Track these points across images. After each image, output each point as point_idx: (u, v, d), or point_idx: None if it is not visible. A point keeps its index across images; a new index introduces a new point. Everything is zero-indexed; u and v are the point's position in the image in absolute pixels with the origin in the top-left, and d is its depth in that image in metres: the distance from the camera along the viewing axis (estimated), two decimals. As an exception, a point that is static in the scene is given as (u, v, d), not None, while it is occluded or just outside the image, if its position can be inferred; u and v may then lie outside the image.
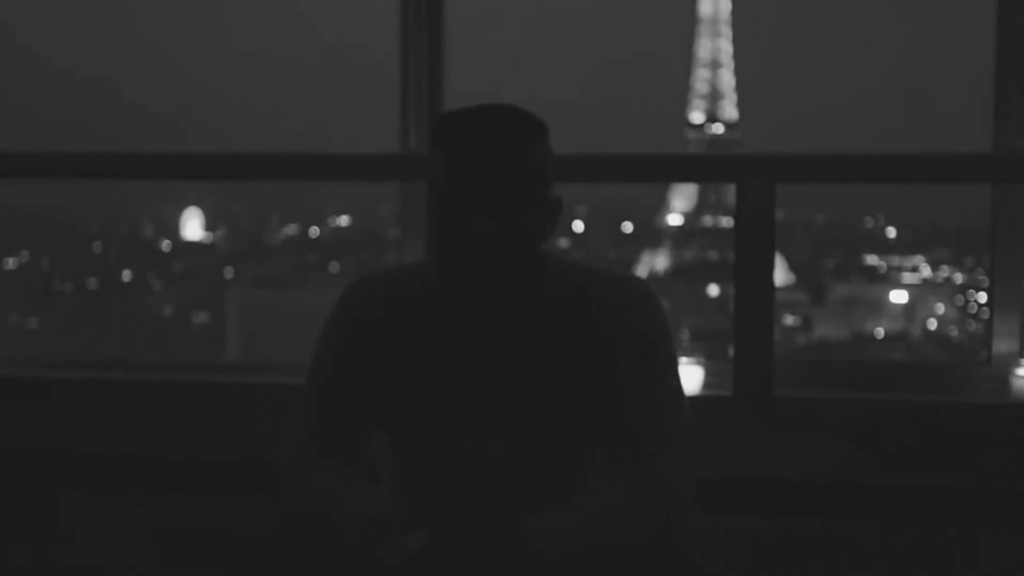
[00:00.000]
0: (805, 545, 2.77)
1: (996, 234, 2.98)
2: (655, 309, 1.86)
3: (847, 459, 2.78)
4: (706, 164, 3.02)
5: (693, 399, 1.88)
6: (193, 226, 44.75)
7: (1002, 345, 3.05)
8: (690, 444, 1.83)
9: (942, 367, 3.16)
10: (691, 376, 3.09)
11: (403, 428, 1.88)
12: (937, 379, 3.08)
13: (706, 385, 3.04)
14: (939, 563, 2.73)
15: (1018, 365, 2.99)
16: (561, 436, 1.83)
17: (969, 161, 2.84)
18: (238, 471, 2.71)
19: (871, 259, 42.97)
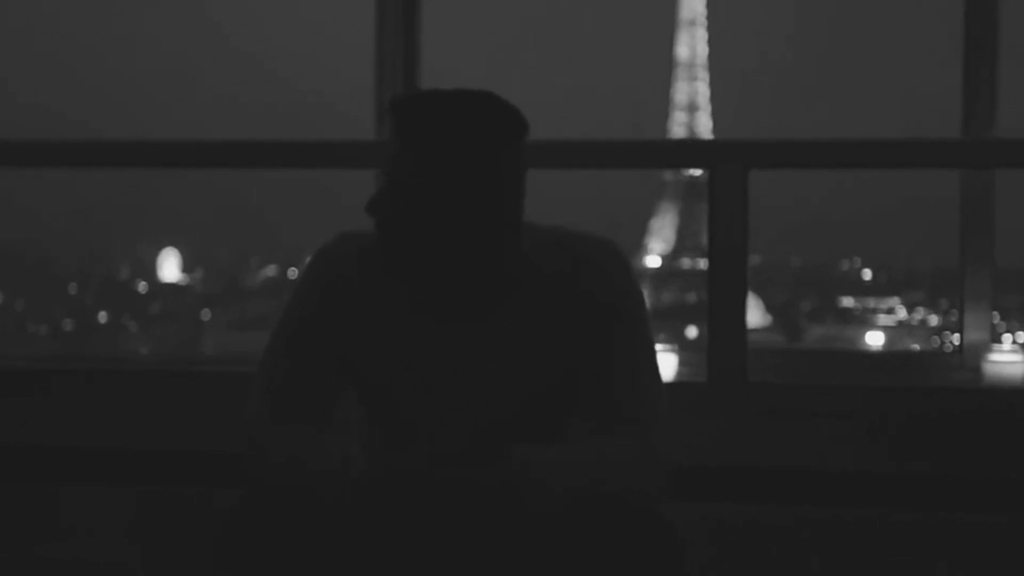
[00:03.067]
0: (779, 532, 2.77)
1: (965, 224, 2.99)
2: (627, 273, 1.83)
3: (822, 446, 2.78)
4: (680, 150, 3.04)
5: (667, 386, 1.87)
6: (170, 267, 44.67)
7: (972, 335, 3.06)
8: (666, 409, 1.81)
9: (915, 356, 3.17)
10: (665, 363, 3.09)
11: (375, 397, 1.87)
12: (910, 368, 3.09)
13: (680, 373, 3.04)
14: (916, 548, 2.73)
15: (989, 351, 3.00)
16: (533, 409, 1.82)
17: (939, 147, 2.85)
18: (234, 463, 2.67)
19: (847, 301, 43.24)
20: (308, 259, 1.83)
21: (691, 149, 3.05)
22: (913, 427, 2.79)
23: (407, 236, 1.66)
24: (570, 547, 1.67)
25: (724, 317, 2.78)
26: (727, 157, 2.74)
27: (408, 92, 1.66)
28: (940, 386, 2.94)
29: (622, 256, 1.79)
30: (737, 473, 2.81)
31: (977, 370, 2.98)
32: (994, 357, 2.93)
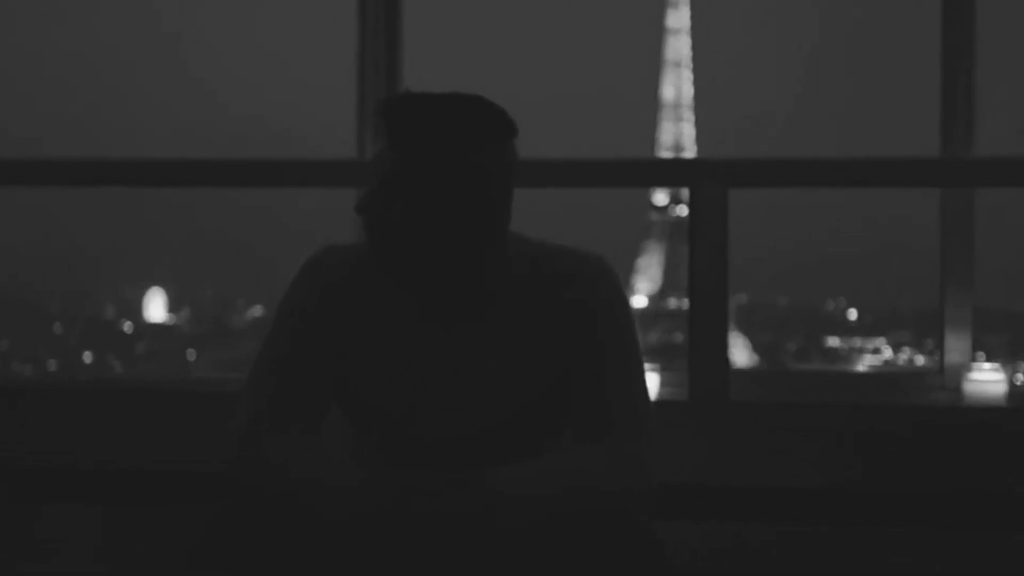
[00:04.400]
0: (760, 549, 2.76)
1: (945, 244, 3.00)
2: (616, 286, 1.85)
3: (803, 464, 2.78)
4: (661, 169, 3.05)
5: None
6: (156, 307, 44.52)
7: (953, 357, 3.06)
8: (652, 418, 1.82)
9: (897, 377, 3.18)
10: (648, 383, 3.08)
11: (364, 402, 1.86)
12: (892, 388, 3.09)
13: (663, 392, 3.04)
14: (895, 566, 2.72)
15: (969, 370, 3.01)
16: (526, 414, 1.83)
17: (917, 165, 2.88)
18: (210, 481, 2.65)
19: (832, 341, 43.26)
20: (297, 270, 1.83)
21: (672, 167, 3.07)
22: (895, 444, 2.79)
23: (396, 235, 1.67)
24: (554, 560, 1.66)
25: (705, 336, 2.79)
26: (708, 175, 2.76)
27: (398, 94, 1.69)
28: (921, 404, 2.95)
29: (611, 270, 1.81)
30: (719, 491, 2.80)
31: (957, 390, 2.98)
32: (974, 376, 2.94)
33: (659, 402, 2.94)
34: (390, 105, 1.66)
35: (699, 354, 2.81)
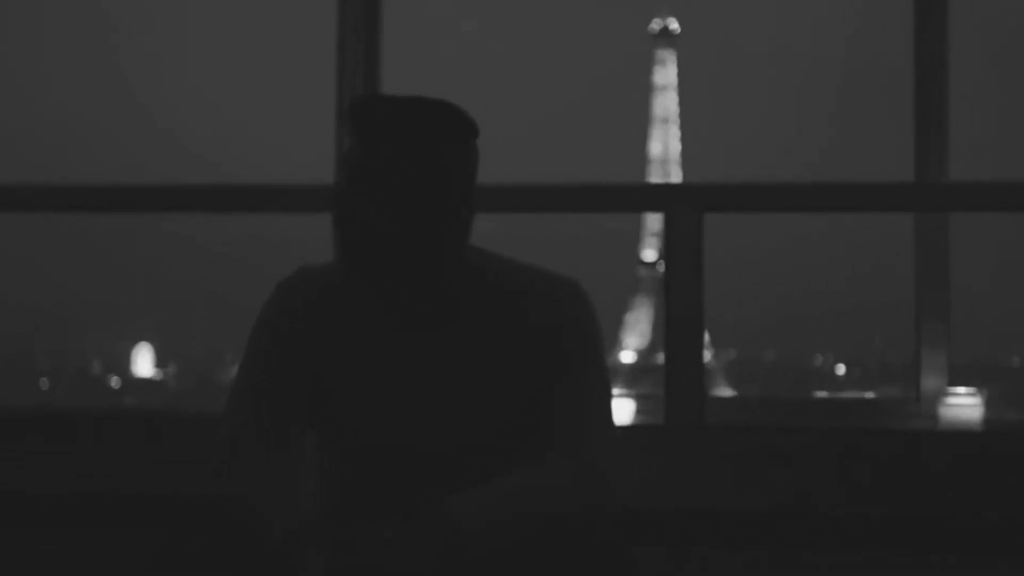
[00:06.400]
0: (737, 573, 2.75)
1: (919, 270, 3.00)
2: (586, 308, 1.88)
3: (778, 486, 2.77)
4: (637, 194, 3.04)
5: (625, 429, 1.88)
6: (144, 362, 44.48)
7: (929, 382, 3.06)
8: (612, 435, 1.83)
9: (874, 403, 3.17)
10: (624, 408, 3.08)
11: (336, 417, 1.87)
12: (868, 414, 3.09)
13: (638, 418, 3.03)
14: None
15: (946, 395, 3.00)
16: (496, 426, 1.85)
17: (892, 191, 2.88)
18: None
19: (821, 396, 43.28)
20: (270, 293, 1.84)
21: (647, 192, 3.05)
22: (870, 469, 2.78)
23: (362, 226, 1.70)
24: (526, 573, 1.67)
25: (681, 360, 2.79)
26: (682, 200, 2.77)
27: (368, 94, 1.74)
28: (897, 428, 2.94)
29: (584, 292, 1.83)
30: (695, 514, 2.79)
31: (934, 416, 2.98)
32: (950, 401, 2.94)
33: (634, 426, 2.94)
34: (359, 103, 1.71)
35: (675, 377, 2.81)
